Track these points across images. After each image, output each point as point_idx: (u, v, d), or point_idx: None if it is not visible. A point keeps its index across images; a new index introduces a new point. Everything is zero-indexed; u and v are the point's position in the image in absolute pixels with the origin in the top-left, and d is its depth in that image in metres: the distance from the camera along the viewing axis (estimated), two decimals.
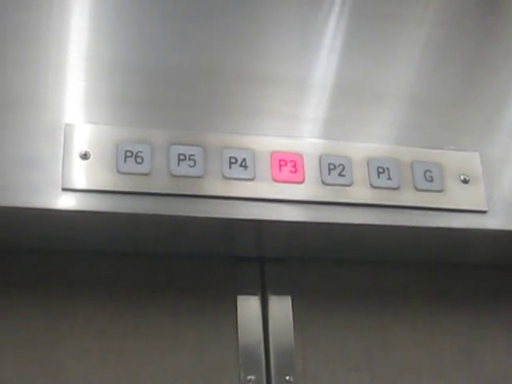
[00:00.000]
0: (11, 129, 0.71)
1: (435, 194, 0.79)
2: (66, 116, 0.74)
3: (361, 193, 0.77)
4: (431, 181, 0.79)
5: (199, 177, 0.74)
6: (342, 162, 0.77)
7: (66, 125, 0.73)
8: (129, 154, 0.73)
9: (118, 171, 0.72)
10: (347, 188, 0.77)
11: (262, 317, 0.84)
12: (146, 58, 0.79)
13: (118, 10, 0.82)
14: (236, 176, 0.75)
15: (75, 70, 0.77)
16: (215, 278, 0.85)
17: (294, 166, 0.76)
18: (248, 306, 0.84)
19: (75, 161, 0.72)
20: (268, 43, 0.84)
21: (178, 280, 0.84)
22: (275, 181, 0.75)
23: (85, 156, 0.72)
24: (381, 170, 0.78)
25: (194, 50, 0.81)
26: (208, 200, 0.74)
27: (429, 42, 0.90)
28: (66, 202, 0.71)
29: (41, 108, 0.73)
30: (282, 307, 0.85)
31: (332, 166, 0.77)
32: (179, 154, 0.74)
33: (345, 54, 0.85)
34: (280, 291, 0.86)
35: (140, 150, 0.73)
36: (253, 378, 0.81)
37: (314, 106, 0.82)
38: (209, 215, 0.74)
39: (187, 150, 0.74)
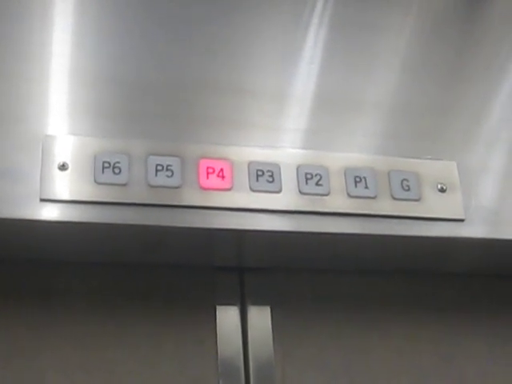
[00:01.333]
0: None
1: (412, 202, 0.79)
2: (45, 127, 0.74)
3: (338, 202, 0.77)
4: (408, 190, 0.79)
5: (177, 187, 0.74)
6: (319, 172, 0.77)
7: (45, 136, 0.73)
8: (106, 164, 0.73)
9: (95, 182, 0.72)
10: (324, 197, 0.77)
11: (242, 327, 0.84)
12: (126, 70, 0.80)
13: (100, 23, 0.82)
14: (213, 186, 0.75)
15: (55, 82, 0.77)
16: (194, 288, 0.84)
17: (272, 176, 0.76)
18: (227, 317, 0.84)
19: (53, 172, 0.72)
20: (247, 54, 0.84)
21: (157, 290, 0.84)
22: (253, 190, 0.75)
23: (63, 167, 0.72)
24: (358, 180, 0.78)
25: (173, 62, 0.82)
26: (186, 210, 0.74)
27: (408, 51, 0.90)
28: (45, 213, 0.71)
29: (19, 119, 0.73)
30: (261, 317, 0.85)
31: (309, 176, 0.77)
32: (157, 165, 0.74)
33: (324, 65, 0.86)
34: (259, 301, 0.86)
35: (117, 160, 0.73)
36: None
37: (293, 116, 0.82)
38: (187, 225, 0.74)
39: (165, 161, 0.74)
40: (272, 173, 0.76)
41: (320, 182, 0.77)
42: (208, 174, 0.75)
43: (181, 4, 0.85)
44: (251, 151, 0.77)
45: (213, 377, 0.80)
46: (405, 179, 0.79)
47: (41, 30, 0.79)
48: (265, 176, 0.76)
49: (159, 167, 0.74)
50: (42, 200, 0.70)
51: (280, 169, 0.77)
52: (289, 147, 0.79)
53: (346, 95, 0.84)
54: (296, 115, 0.82)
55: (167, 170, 0.74)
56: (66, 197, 0.71)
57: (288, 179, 0.77)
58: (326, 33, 0.88)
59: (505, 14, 0.95)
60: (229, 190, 0.75)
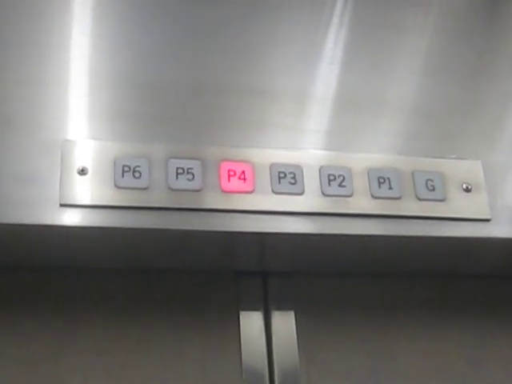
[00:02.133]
0: (9, 145, 0.72)
1: (437, 203, 0.79)
2: (64, 132, 0.74)
3: (361, 203, 0.77)
4: (433, 190, 0.79)
5: (198, 190, 0.74)
6: (342, 173, 0.77)
7: (64, 140, 0.73)
8: (126, 168, 0.73)
9: (115, 186, 0.72)
10: (348, 199, 0.77)
11: (266, 332, 0.84)
12: (145, 73, 0.80)
13: (118, 26, 0.83)
14: (235, 189, 0.75)
15: (74, 87, 0.78)
16: (217, 292, 0.85)
17: (294, 178, 0.76)
18: (251, 322, 0.84)
19: (73, 176, 0.72)
20: (267, 56, 0.85)
21: (179, 295, 0.84)
22: (275, 193, 0.75)
23: (82, 172, 0.72)
24: (381, 180, 0.78)
25: (193, 64, 0.82)
26: (207, 213, 0.74)
27: (429, 51, 0.90)
28: (64, 218, 0.71)
29: (39, 124, 0.74)
30: (285, 322, 0.85)
31: (332, 177, 0.77)
32: (177, 168, 0.74)
33: (345, 65, 0.86)
34: (283, 306, 0.86)
35: (138, 164, 0.73)
36: None
37: (314, 117, 0.82)
38: (209, 229, 0.74)
39: (185, 164, 0.74)
40: (294, 174, 0.76)
41: (343, 183, 0.77)
42: (229, 176, 0.75)
43: (201, 5, 0.85)
44: (273, 153, 0.77)
45: (237, 382, 0.81)
46: (429, 179, 0.79)
47: (59, 34, 0.80)
48: (287, 178, 0.76)
49: (180, 170, 0.74)
50: (62, 205, 0.71)
51: (302, 170, 0.76)
52: (311, 148, 0.79)
53: (367, 95, 0.84)
54: (317, 116, 0.82)
55: (188, 173, 0.74)
56: (86, 202, 0.71)
57: (310, 181, 0.76)
58: (347, 33, 0.89)
59: None
60: (250, 192, 0.75)
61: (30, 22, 0.79)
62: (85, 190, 0.72)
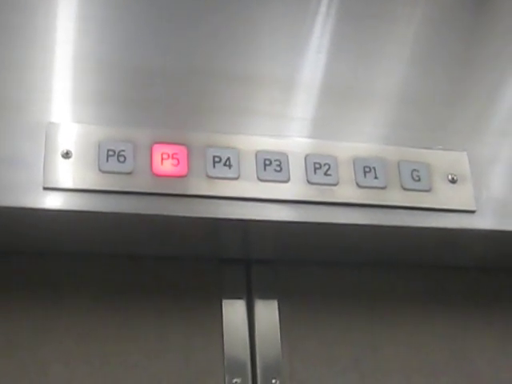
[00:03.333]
0: None
1: (423, 193, 0.79)
2: (49, 115, 0.74)
3: (347, 192, 0.77)
4: (418, 180, 0.79)
5: (183, 176, 0.74)
6: (327, 161, 0.77)
7: (49, 123, 0.73)
8: (111, 153, 0.73)
9: (100, 170, 0.72)
10: (333, 187, 0.77)
11: (248, 320, 0.85)
12: (131, 57, 0.80)
13: (104, 10, 0.82)
14: (220, 175, 0.74)
15: (59, 70, 0.77)
16: (200, 280, 0.85)
17: (279, 165, 0.76)
18: (234, 309, 0.85)
19: (57, 160, 0.72)
20: (254, 43, 0.85)
21: (162, 282, 0.84)
22: (260, 180, 0.75)
23: (67, 155, 0.72)
24: (367, 170, 0.78)
25: (180, 49, 0.82)
26: (192, 199, 0.74)
27: (417, 41, 0.91)
28: (48, 202, 0.71)
29: (23, 107, 0.73)
30: (268, 310, 0.85)
31: (318, 165, 0.77)
32: (162, 153, 0.74)
33: (332, 54, 0.86)
34: (266, 294, 0.86)
35: (122, 148, 0.73)
36: (238, 381, 0.81)
37: (301, 105, 0.82)
38: (193, 215, 0.74)
39: (170, 149, 0.74)
40: (280, 162, 0.76)
41: (328, 172, 0.77)
42: (214, 162, 0.75)
43: None
44: (258, 140, 0.77)
45: (219, 370, 0.81)
46: (415, 169, 0.79)
47: (45, 18, 0.79)
48: (272, 165, 0.76)
49: (165, 156, 0.74)
50: (46, 188, 0.70)
51: (288, 158, 0.77)
52: (297, 136, 0.79)
53: (354, 85, 0.84)
54: (304, 104, 0.82)
55: (173, 158, 0.74)
56: (70, 185, 0.71)
57: (296, 169, 0.77)
58: (334, 22, 0.89)
59: None
60: (236, 179, 0.75)
61: (16, 4, 0.78)
62: (69, 174, 0.71)
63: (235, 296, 0.85)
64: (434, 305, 0.90)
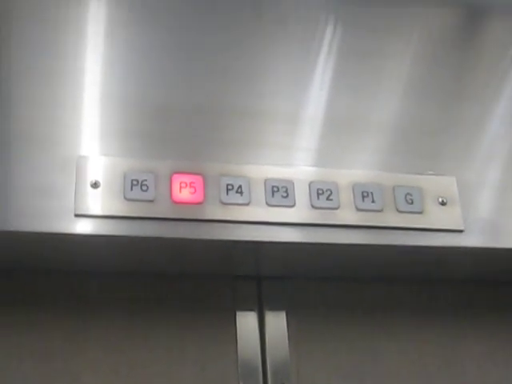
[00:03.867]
0: (29, 161, 0.72)
1: (415, 215, 0.79)
2: (79, 149, 0.74)
3: (347, 215, 0.77)
4: (412, 203, 0.79)
5: (199, 203, 0.74)
6: (329, 187, 0.78)
7: (79, 157, 0.73)
8: (135, 182, 0.73)
9: (125, 198, 0.73)
10: (335, 211, 0.77)
11: (259, 331, 0.84)
12: (152, 96, 0.80)
13: (128, 53, 0.83)
14: (233, 201, 0.75)
15: (87, 108, 0.78)
16: (216, 295, 0.85)
17: (286, 192, 0.77)
18: (246, 322, 0.84)
19: (87, 189, 0.72)
20: (263, 80, 0.85)
21: (182, 297, 0.84)
22: (269, 205, 0.76)
23: (95, 185, 0.73)
24: (365, 194, 0.78)
25: (195, 87, 0.82)
26: (207, 224, 0.74)
27: (409, 76, 0.90)
28: (79, 227, 0.71)
29: (56, 142, 0.74)
30: (277, 322, 0.85)
31: (320, 191, 0.77)
32: (181, 182, 0.74)
33: (333, 90, 0.86)
34: (276, 307, 0.86)
35: (145, 178, 0.74)
36: None
37: (304, 137, 0.82)
38: (208, 237, 0.74)
39: (188, 179, 0.75)
40: (286, 188, 0.77)
41: (330, 197, 0.77)
42: (228, 190, 0.75)
43: (203, 34, 0.85)
44: (267, 169, 0.77)
45: (233, 376, 0.81)
46: (408, 193, 0.79)
47: (74, 61, 0.80)
48: (280, 192, 0.77)
49: (183, 184, 0.74)
50: (77, 215, 0.71)
51: (294, 185, 0.77)
52: (301, 165, 0.79)
53: (353, 117, 0.84)
54: (307, 135, 0.82)
55: (190, 187, 0.74)
56: (98, 212, 0.72)
57: (301, 194, 0.77)
58: (335, 60, 0.89)
59: (498, 41, 0.95)
60: (247, 204, 0.75)
61: (49, 50, 0.79)
62: (97, 202, 0.72)
63: (247, 309, 0.85)
64: (427, 315, 0.89)
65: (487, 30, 0.97)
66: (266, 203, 0.76)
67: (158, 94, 0.80)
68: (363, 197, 0.78)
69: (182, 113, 0.80)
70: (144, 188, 0.73)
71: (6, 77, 0.77)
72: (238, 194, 0.76)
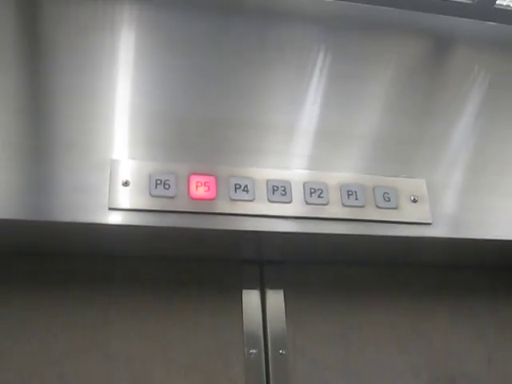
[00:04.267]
0: (70, 164, 0.73)
1: (391, 210, 0.79)
2: (112, 154, 0.75)
3: (335, 210, 0.78)
4: (388, 201, 0.80)
5: (212, 199, 0.75)
6: (320, 187, 0.78)
7: (112, 160, 0.74)
8: (159, 181, 0.74)
9: (150, 195, 0.73)
10: (325, 206, 0.78)
11: (261, 306, 0.85)
12: (172, 109, 0.80)
13: (152, 72, 0.82)
14: (240, 198, 0.75)
15: (118, 120, 0.78)
16: (226, 276, 0.85)
17: (284, 190, 0.77)
18: (250, 298, 0.85)
19: (119, 187, 0.73)
20: (265, 98, 0.84)
21: (197, 278, 0.84)
22: (270, 201, 0.76)
23: (126, 184, 0.73)
24: (350, 193, 0.79)
25: (209, 103, 0.82)
26: (219, 216, 0.75)
27: (387, 94, 0.90)
28: (111, 219, 0.72)
29: (92, 148, 0.75)
30: (276, 299, 0.85)
31: (313, 190, 0.78)
32: (197, 182, 0.75)
33: (323, 106, 0.86)
34: (275, 286, 0.86)
35: (167, 178, 0.74)
36: (254, 351, 0.82)
37: (300, 145, 0.82)
38: (220, 228, 0.75)
39: (203, 179, 0.75)
40: (284, 188, 0.77)
41: (321, 195, 0.78)
42: (236, 189, 0.76)
43: (217, 58, 0.85)
44: (269, 171, 0.78)
45: (239, 343, 0.81)
46: (386, 192, 0.80)
47: (107, 81, 0.79)
48: (279, 190, 0.77)
49: (199, 184, 0.75)
50: (110, 209, 0.72)
51: (291, 185, 0.78)
52: (297, 168, 0.79)
53: (340, 129, 0.84)
54: (302, 144, 0.82)
55: (205, 185, 0.75)
56: (128, 206, 0.72)
57: (296, 193, 0.77)
58: (325, 82, 0.88)
59: (460, 67, 0.95)
60: (251, 201, 0.76)
61: (86, 72, 0.79)
62: (127, 198, 0.73)
63: (252, 288, 0.85)
64: (401, 294, 0.90)
65: (452, 58, 0.97)
66: (268, 200, 0.76)
67: (178, 108, 0.80)
68: (348, 195, 0.79)
69: (198, 124, 0.80)
70: (166, 186, 0.74)
71: (51, 95, 0.77)
72: (245, 192, 0.76)
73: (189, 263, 0.84)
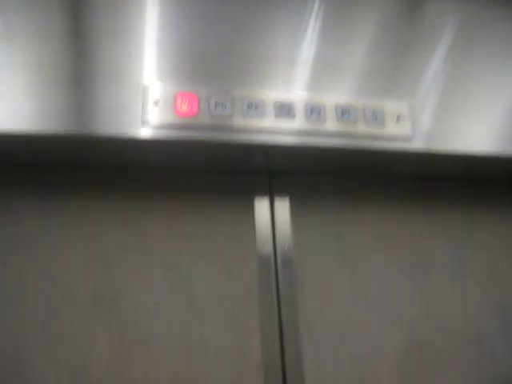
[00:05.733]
0: (111, 88, 0.76)
1: (378, 126, 0.83)
2: (143, 78, 0.78)
3: (332, 126, 0.82)
4: (376, 119, 0.84)
5: (229, 116, 0.79)
6: (319, 107, 0.82)
7: (144, 84, 0.78)
8: (184, 101, 0.78)
9: (176, 113, 0.77)
10: (323, 123, 0.82)
11: (270, 211, 0.89)
12: (193, 41, 0.81)
13: (178, 9, 0.82)
14: (252, 115, 0.79)
15: (148, 49, 0.80)
16: (240, 185, 0.89)
17: (289, 109, 0.81)
18: (261, 204, 0.88)
19: (150, 107, 0.77)
20: (270, 33, 0.86)
21: (216, 187, 0.88)
22: (276, 118, 0.80)
23: (156, 103, 0.77)
24: (344, 112, 0.83)
25: (223, 37, 0.83)
26: (234, 131, 0.78)
27: (374, 32, 0.90)
28: (143, 133, 0.76)
29: (130, 75, 0.78)
30: (283, 205, 0.89)
31: (313, 109, 0.82)
32: (216, 102, 0.79)
33: (320, 41, 0.87)
34: (282, 194, 0.90)
35: (190, 99, 0.78)
36: (264, 249, 0.86)
37: (301, 72, 0.84)
38: (235, 141, 0.78)
39: (221, 99, 0.79)
40: (289, 107, 0.82)
41: (320, 113, 0.82)
42: (248, 108, 0.80)
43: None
44: (276, 94, 0.82)
45: (252, 245, 0.86)
46: (374, 112, 0.84)
47: (137, 17, 0.80)
48: (284, 109, 0.81)
49: (217, 103, 0.79)
50: (143, 125, 0.76)
51: (294, 105, 0.82)
52: (299, 91, 0.83)
53: (335, 59, 0.86)
54: (303, 71, 0.85)
55: (222, 105, 0.79)
56: (158, 123, 0.77)
57: (299, 111, 0.81)
58: (321, 21, 0.89)
59: (439, 9, 0.95)
60: (262, 117, 0.80)
61: (118, 9, 0.81)
62: (157, 116, 0.77)
63: (262, 195, 0.89)
64: (387, 202, 0.93)
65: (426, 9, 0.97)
66: (275, 116, 0.80)
67: (198, 41, 0.82)
68: (343, 114, 0.83)
69: (216, 55, 0.82)
70: (189, 106, 0.78)
71: (89, 31, 0.79)
72: (256, 111, 0.80)
73: (209, 175, 0.87)
